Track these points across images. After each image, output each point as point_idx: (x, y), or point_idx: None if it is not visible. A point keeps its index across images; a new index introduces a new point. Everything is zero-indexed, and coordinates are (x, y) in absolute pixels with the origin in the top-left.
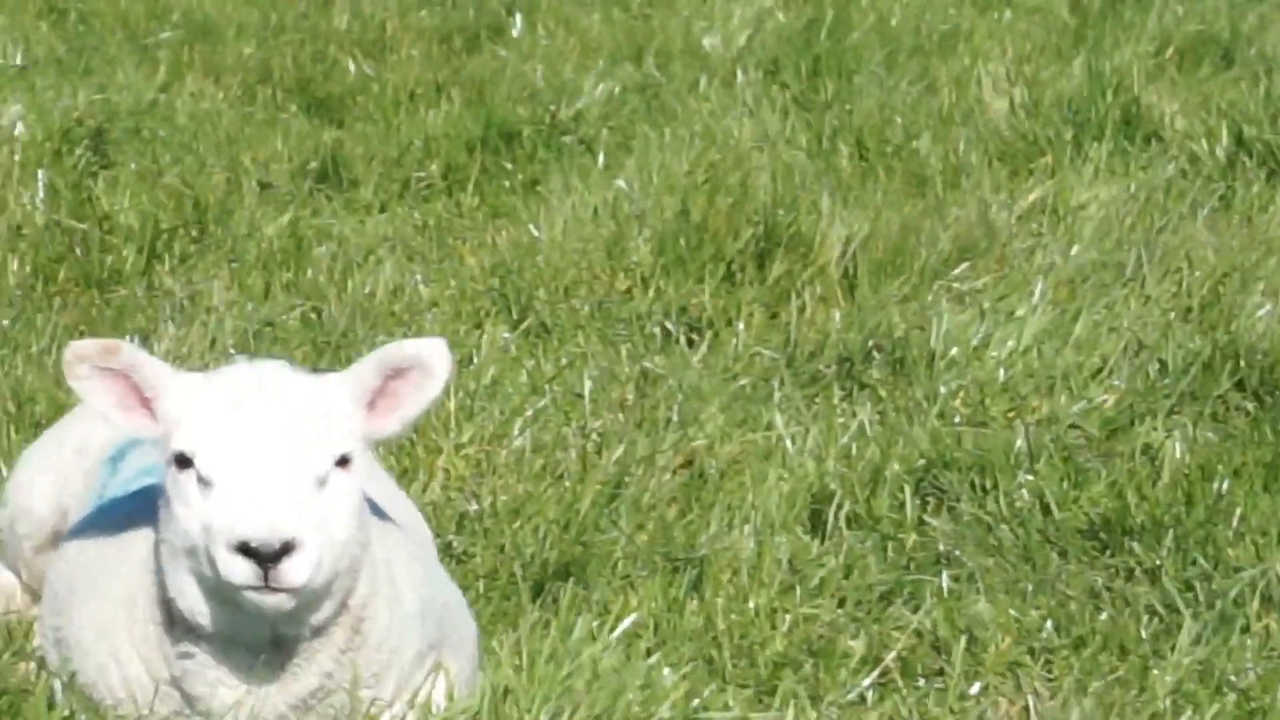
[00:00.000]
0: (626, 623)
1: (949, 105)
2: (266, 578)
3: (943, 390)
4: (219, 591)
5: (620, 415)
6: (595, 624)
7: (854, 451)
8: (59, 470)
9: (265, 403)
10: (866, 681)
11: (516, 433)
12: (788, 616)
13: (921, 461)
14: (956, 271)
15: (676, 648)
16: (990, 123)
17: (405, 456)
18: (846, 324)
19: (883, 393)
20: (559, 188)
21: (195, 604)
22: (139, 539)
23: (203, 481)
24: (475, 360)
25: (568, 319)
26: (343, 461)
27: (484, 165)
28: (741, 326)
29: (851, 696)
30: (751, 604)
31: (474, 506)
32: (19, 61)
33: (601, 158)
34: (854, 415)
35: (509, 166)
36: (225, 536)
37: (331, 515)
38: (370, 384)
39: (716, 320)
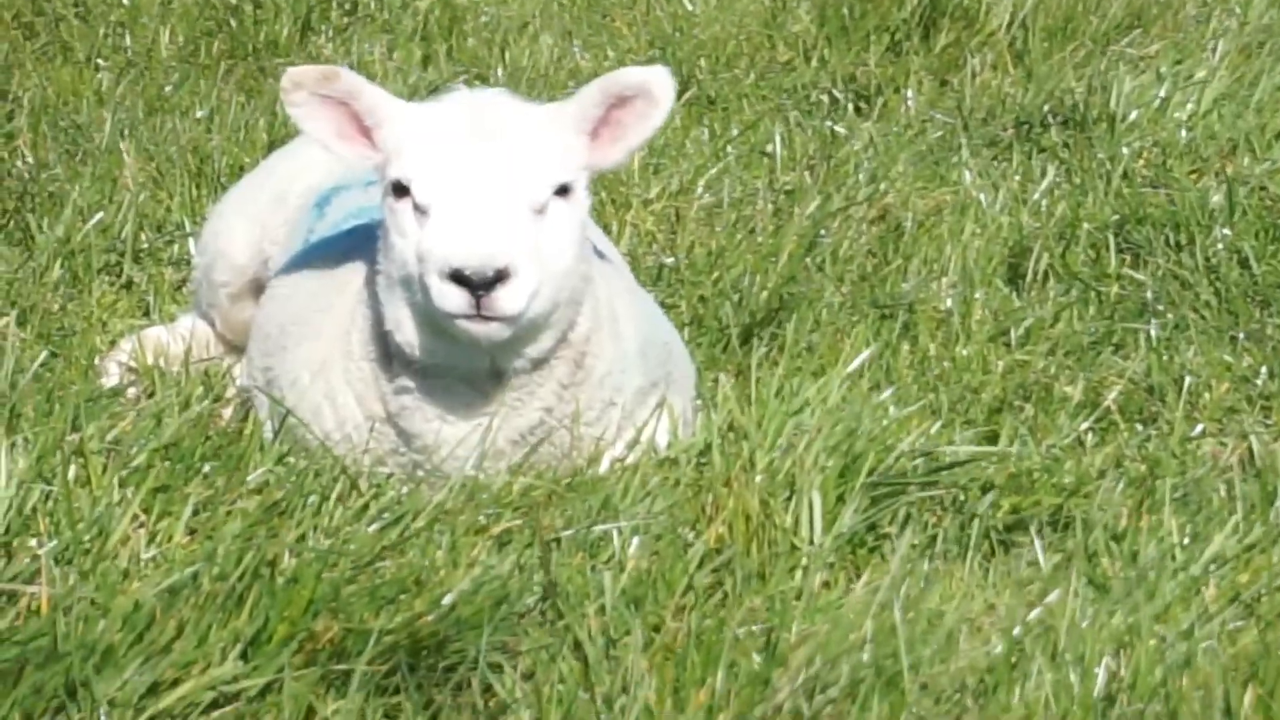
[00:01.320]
0: (860, 359)
1: None
2: (479, 306)
3: (1125, 151)
4: (433, 321)
5: (807, 173)
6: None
7: (1043, 208)
8: (258, 217)
9: (484, 131)
10: (1085, 424)
11: (701, 190)
12: (1000, 363)
13: (1115, 217)
14: (1128, 38)
15: (896, 389)
16: None
17: (593, 212)
18: (1020, 89)
19: (1063, 154)
20: None
21: (412, 335)
22: (353, 276)
23: (419, 210)
24: None
25: (730, 89)
26: (563, 191)
27: None
28: (910, 93)
29: (1070, 440)
30: (964, 351)
31: (670, 259)
32: None
33: None
34: (1040, 174)
35: None
36: (438, 264)
37: (550, 245)
38: (593, 112)
39: (885, 88)
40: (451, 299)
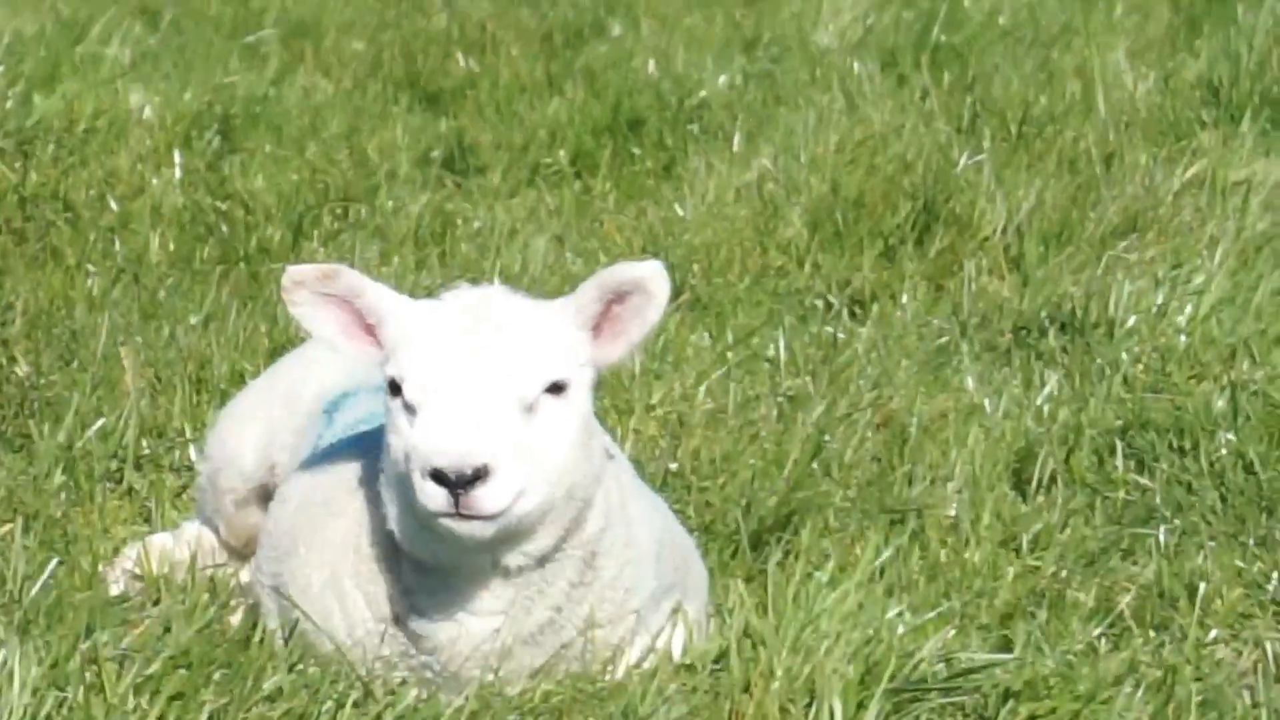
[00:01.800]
0: (876, 563)
1: (1081, 90)
2: (458, 504)
3: (1125, 357)
4: (423, 519)
5: (809, 379)
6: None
7: (1046, 413)
8: (267, 423)
9: (475, 328)
10: (1098, 630)
11: (703, 396)
12: (1010, 568)
13: (1118, 423)
14: (1125, 243)
15: (909, 596)
16: (1128, 105)
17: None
18: (1017, 294)
19: (1062, 360)
20: (699, 170)
21: (412, 534)
22: (363, 481)
23: (408, 408)
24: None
25: (724, 293)
26: (557, 388)
27: (614, 151)
28: (906, 298)
29: (1083, 646)
30: (974, 556)
31: (674, 465)
32: (127, 56)
33: (738, 140)
34: (1041, 379)
35: (637, 152)
36: (420, 462)
37: (543, 443)
38: (591, 308)
39: (880, 294)
40: (433, 497)
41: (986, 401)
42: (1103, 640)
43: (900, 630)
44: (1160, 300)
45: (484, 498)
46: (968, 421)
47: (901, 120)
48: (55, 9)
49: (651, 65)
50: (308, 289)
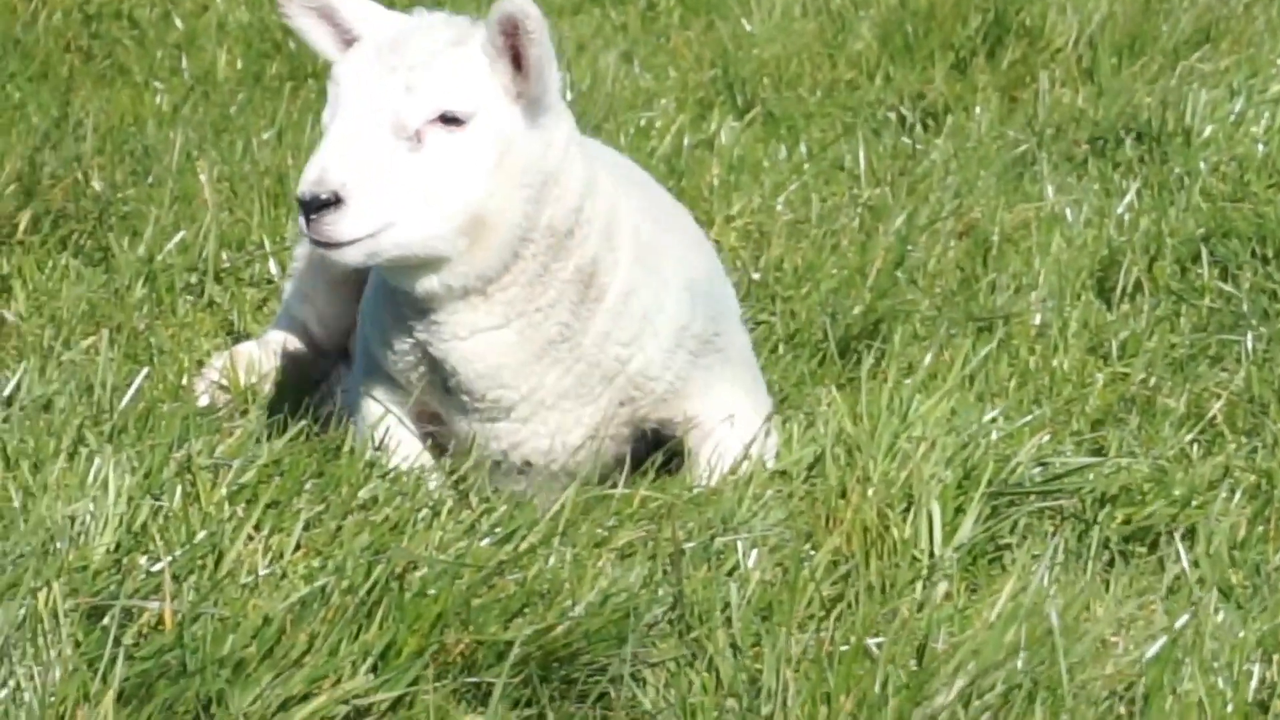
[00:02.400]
0: (968, 369)
1: None
2: (309, 229)
3: (1203, 166)
4: None
5: (888, 189)
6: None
7: (1127, 222)
8: None
9: (383, 57)
10: (1190, 436)
11: (781, 207)
12: (1099, 376)
13: (1200, 231)
14: (1199, 53)
15: (1001, 402)
16: None
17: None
18: (1092, 105)
19: (1139, 170)
20: None
21: None
22: None
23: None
24: (716, 145)
25: (795, 108)
26: (452, 120)
27: None
28: (979, 110)
29: (1176, 451)
30: (1063, 364)
31: (756, 275)
32: None
33: None
34: (1120, 189)
35: None
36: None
37: (427, 175)
38: (496, 40)
39: (953, 106)
40: (302, 222)
41: (1067, 211)
42: (1195, 446)
43: (995, 435)
44: (1237, 109)
45: (331, 225)
46: (1049, 231)
47: None
48: None
49: None
50: (297, 3)
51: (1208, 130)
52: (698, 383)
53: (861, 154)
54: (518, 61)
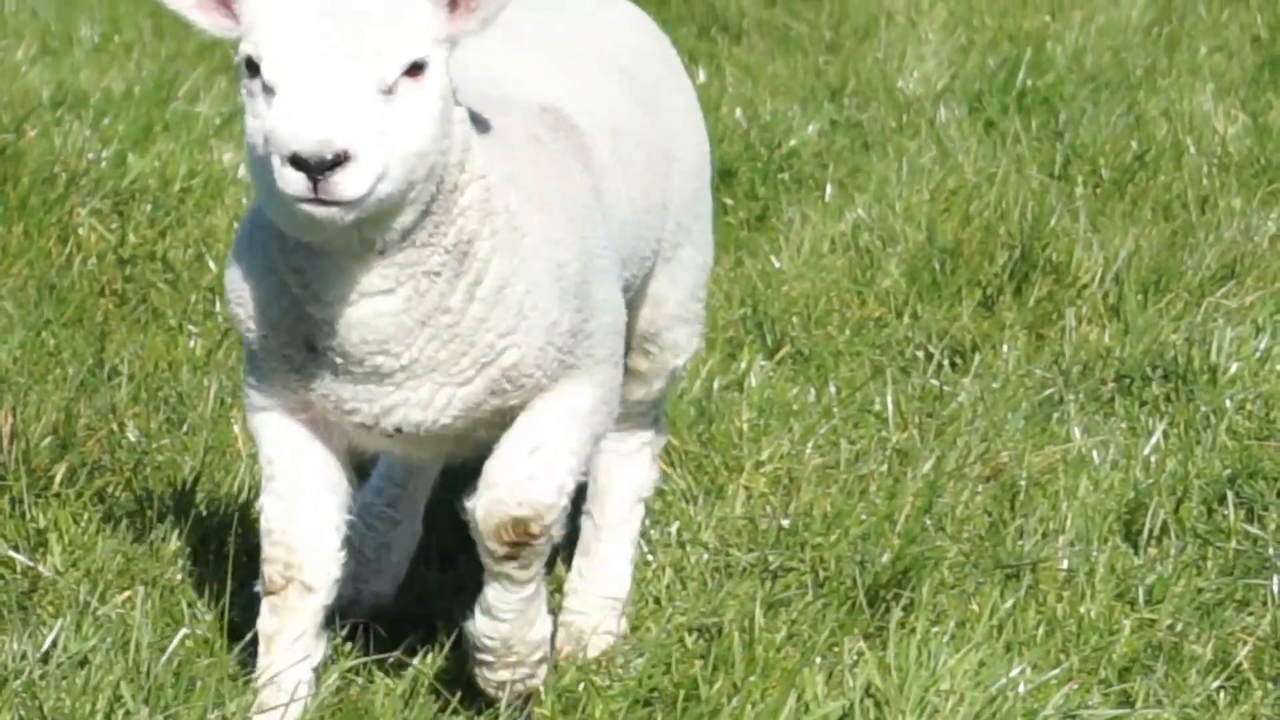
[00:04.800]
0: (998, 616)
1: (1171, 134)
2: (316, 189)
3: (1229, 404)
4: (283, 204)
5: (916, 432)
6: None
7: (1154, 464)
8: None
9: (334, 8)
10: (1217, 683)
11: (810, 451)
12: (1126, 622)
13: (1226, 471)
14: (1223, 289)
15: (1028, 652)
16: (1219, 148)
17: (704, 475)
18: (1118, 342)
19: (1165, 408)
20: (793, 220)
21: (276, 215)
22: None
23: (267, 89)
24: (746, 386)
25: (825, 346)
26: (415, 68)
27: None
28: (1006, 348)
29: (1201, 699)
30: (1090, 610)
31: (785, 522)
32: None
33: (829, 189)
34: (1147, 429)
35: (729, 203)
36: (280, 147)
37: (400, 124)
38: None
39: (980, 344)
40: (292, 183)
41: (1094, 453)
42: (1222, 694)
43: (1023, 689)
44: (1262, 346)
45: (343, 183)
46: (1076, 473)
47: (993, 167)
48: (141, 66)
49: (739, 113)
50: None
51: (1233, 367)
52: (560, 381)
53: (890, 397)
54: (452, 3)
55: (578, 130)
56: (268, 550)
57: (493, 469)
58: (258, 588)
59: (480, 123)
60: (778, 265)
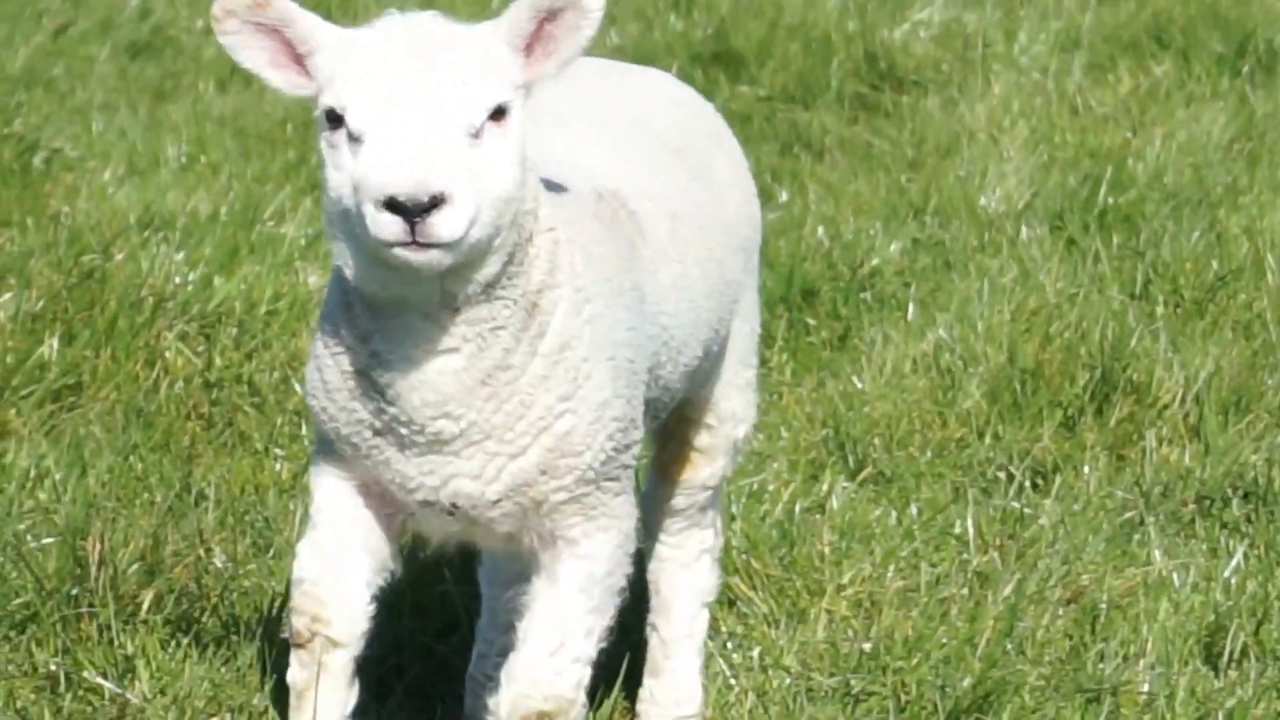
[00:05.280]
0: None
1: (1252, 251)
2: (415, 233)
3: None
4: (374, 252)
5: (997, 554)
6: None
7: (1234, 585)
8: None
9: (417, 54)
10: None
11: (892, 574)
12: None
13: None
14: None
15: None
16: None
17: (786, 599)
18: (1198, 463)
19: (1246, 529)
20: (875, 340)
21: (363, 270)
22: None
23: (353, 139)
24: (828, 509)
25: (906, 467)
26: (498, 113)
27: (790, 322)
28: (1087, 469)
29: None
30: None
31: (867, 645)
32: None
33: (911, 309)
34: (1227, 550)
35: (812, 323)
36: (373, 192)
37: (487, 168)
38: (525, 28)
39: (1062, 465)
40: (387, 227)
41: (1174, 575)
42: None
43: None
44: None
45: (441, 225)
46: (1157, 596)
47: (1074, 286)
48: (228, 187)
49: (821, 232)
50: (238, 17)
51: None
52: (580, 532)
53: (970, 519)
54: (528, 48)
55: (635, 216)
56: (297, 600)
57: (516, 665)
58: (285, 634)
59: (547, 184)
60: (860, 386)
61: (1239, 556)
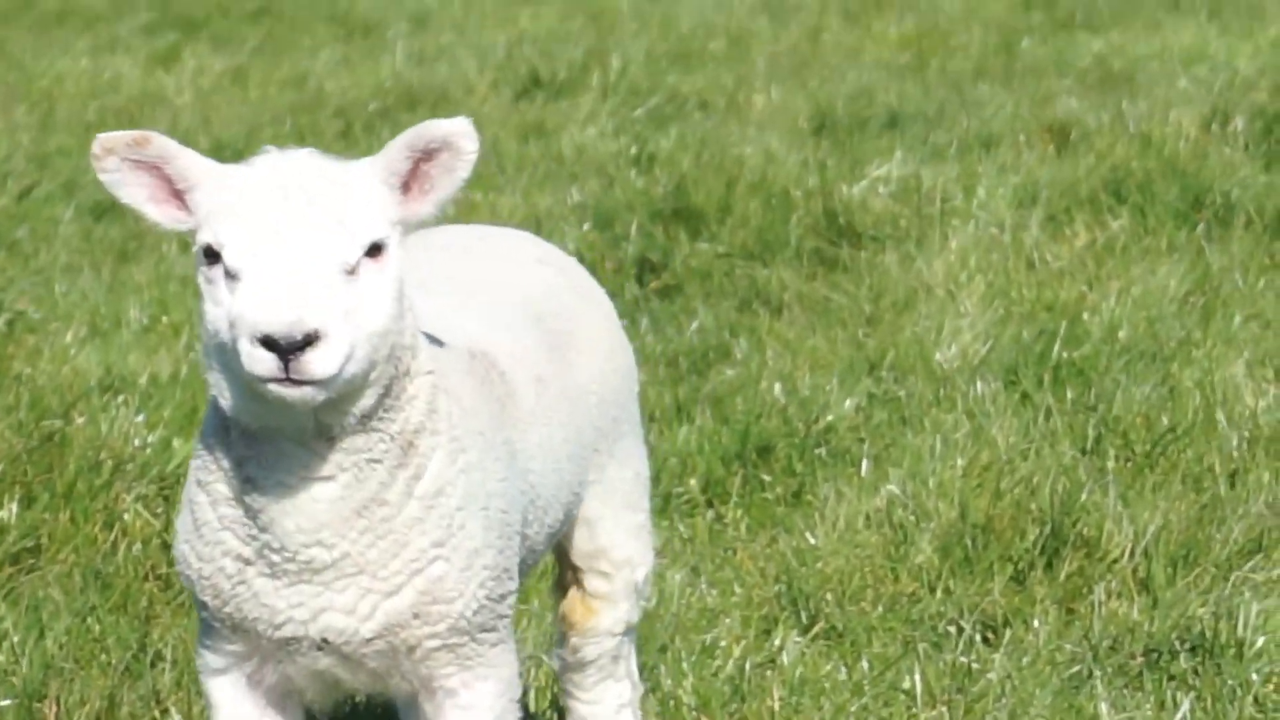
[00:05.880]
0: None
1: (1203, 406)
2: (289, 369)
3: (1255, 677)
4: (249, 386)
5: (945, 709)
6: None
7: None
8: None
9: (293, 192)
10: None
11: None
12: None
13: None
14: (1251, 563)
15: None
16: (1250, 421)
17: None
18: (1146, 617)
19: (1193, 682)
20: (829, 497)
21: (235, 401)
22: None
23: (230, 275)
24: (777, 664)
25: (858, 621)
26: (374, 249)
27: (744, 478)
28: (1037, 623)
29: None
30: None
31: None
32: None
33: (865, 465)
34: (1174, 703)
35: (767, 479)
36: (248, 329)
37: (363, 304)
38: (399, 167)
39: (1011, 619)
40: (262, 363)
41: None
42: None
43: None
44: None
45: (314, 362)
46: None
47: (1026, 441)
48: (189, 348)
49: (778, 389)
50: (117, 155)
51: (1260, 641)
52: (460, 683)
53: (918, 674)
54: (405, 186)
55: (505, 376)
56: None
57: None
58: None
59: (425, 336)
60: (813, 541)
61: (1185, 709)
